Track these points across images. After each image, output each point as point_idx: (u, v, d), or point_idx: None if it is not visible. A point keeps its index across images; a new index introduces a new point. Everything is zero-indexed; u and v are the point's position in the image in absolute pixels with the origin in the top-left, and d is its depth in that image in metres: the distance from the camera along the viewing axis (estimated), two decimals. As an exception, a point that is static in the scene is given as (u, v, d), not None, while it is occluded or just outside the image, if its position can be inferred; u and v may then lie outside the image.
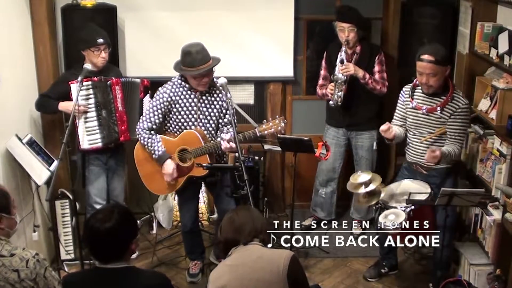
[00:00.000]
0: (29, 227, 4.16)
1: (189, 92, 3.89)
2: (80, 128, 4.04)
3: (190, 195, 4.17)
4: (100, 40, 4.03)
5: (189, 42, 3.85)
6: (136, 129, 3.95)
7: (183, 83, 3.89)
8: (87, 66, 4.01)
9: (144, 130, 3.89)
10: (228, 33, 4.81)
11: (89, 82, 4.02)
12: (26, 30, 4.39)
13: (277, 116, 3.81)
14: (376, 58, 4.49)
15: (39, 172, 4.04)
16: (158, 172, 3.96)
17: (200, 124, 3.92)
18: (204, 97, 3.91)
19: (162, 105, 3.88)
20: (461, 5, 4.45)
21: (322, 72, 4.68)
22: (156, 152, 3.87)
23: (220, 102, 3.93)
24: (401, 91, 3.96)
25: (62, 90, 4.04)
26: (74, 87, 3.98)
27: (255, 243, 2.67)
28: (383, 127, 3.80)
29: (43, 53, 4.50)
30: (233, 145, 3.72)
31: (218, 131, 3.99)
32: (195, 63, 3.74)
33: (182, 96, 3.88)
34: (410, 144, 3.93)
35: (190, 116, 3.90)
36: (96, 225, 2.43)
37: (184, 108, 3.89)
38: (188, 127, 3.91)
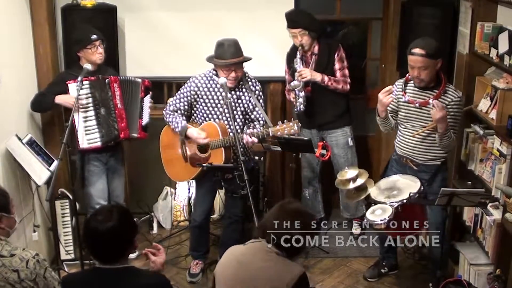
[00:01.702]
0: (29, 227, 4.16)
1: (218, 85, 3.94)
2: (78, 127, 4.04)
3: (208, 189, 4.21)
4: (94, 36, 4.04)
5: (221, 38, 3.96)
6: (164, 111, 4.08)
7: (214, 76, 3.96)
8: (87, 66, 4.01)
9: (169, 111, 4.03)
10: (228, 33, 4.77)
11: (87, 82, 4.02)
12: (26, 30, 4.39)
13: (292, 119, 3.83)
14: (336, 55, 4.45)
15: (39, 172, 4.04)
16: (178, 159, 4.05)
17: (224, 118, 3.96)
18: (232, 92, 3.95)
19: (188, 93, 3.98)
20: (461, 5, 4.45)
21: (286, 76, 4.64)
22: (179, 125, 3.97)
23: (247, 97, 3.98)
24: (393, 85, 3.97)
25: (59, 90, 4.04)
26: (72, 86, 3.99)
27: (272, 249, 2.54)
28: (384, 89, 3.74)
29: (43, 53, 4.50)
30: (255, 140, 3.81)
31: (245, 127, 4.02)
32: (225, 55, 3.84)
33: (211, 89, 3.96)
34: (402, 138, 3.93)
35: (216, 109, 3.96)
36: (99, 227, 2.43)
37: (211, 101, 3.96)
38: (212, 120, 3.98)
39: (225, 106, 3.92)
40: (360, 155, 4.81)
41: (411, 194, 3.57)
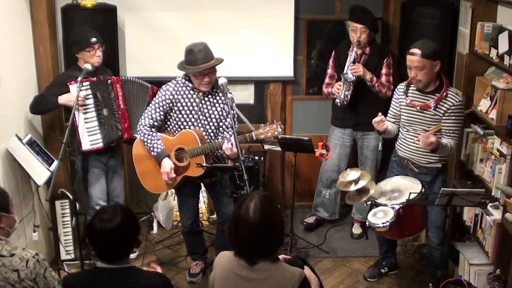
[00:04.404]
0: (29, 227, 4.16)
1: (191, 92, 3.89)
2: (80, 129, 4.03)
3: (190, 195, 4.17)
4: (93, 40, 4.02)
5: (193, 42, 3.84)
6: (138, 125, 3.96)
7: (186, 82, 3.89)
8: (87, 66, 4.00)
9: (145, 127, 3.90)
10: (228, 33, 4.81)
11: (87, 83, 4.02)
12: (26, 30, 4.39)
13: (274, 121, 3.80)
14: (385, 60, 4.52)
15: (39, 172, 4.04)
16: (154, 170, 3.96)
17: (200, 124, 3.91)
18: (206, 98, 3.90)
19: (163, 102, 3.88)
20: (461, 5, 4.45)
21: (329, 70, 4.70)
22: (155, 150, 3.87)
23: (222, 105, 3.92)
24: (396, 88, 3.99)
25: (59, 92, 4.03)
26: (73, 87, 3.98)
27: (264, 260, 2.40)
28: (376, 119, 3.81)
29: (43, 53, 4.50)
30: (235, 150, 3.69)
31: (220, 134, 3.96)
32: (197, 61, 3.75)
33: (184, 96, 3.88)
34: (403, 140, 3.93)
35: (190, 116, 3.90)
36: (106, 225, 2.42)
37: (185, 108, 3.89)
38: (187, 127, 3.91)
39: (229, 107, 3.87)
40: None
41: (411, 195, 3.57)
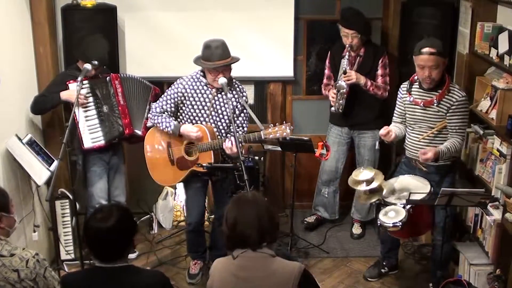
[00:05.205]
0: (29, 227, 4.16)
1: (205, 87, 3.92)
2: (81, 127, 4.03)
3: (197, 190, 4.16)
4: (95, 63, 4.01)
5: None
6: (149, 115, 4.01)
7: (201, 77, 3.93)
8: (87, 66, 4.00)
9: (155, 113, 3.96)
10: (228, 33, 4.79)
11: (87, 81, 4.03)
12: (26, 30, 4.39)
13: (284, 122, 3.81)
14: (380, 61, 4.50)
15: (39, 172, 4.04)
16: (165, 162, 4.00)
17: (211, 120, 3.94)
18: (219, 95, 3.93)
19: (175, 95, 3.93)
20: (461, 5, 4.45)
21: (326, 71, 4.71)
22: (170, 127, 3.90)
23: (234, 103, 3.94)
24: (399, 88, 3.98)
25: (59, 91, 4.03)
26: (72, 86, 3.99)
27: (264, 252, 2.44)
28: (382, 132, 3.82)
29: (43, 53, 4.50)
30: (235, 149, 3.73)
31: (231, 131, 3.96)
32: (213, 57, 3.79)
33: (198, 91, 3.92)
34: (409, 140, 3.93)
35: (202, 111, 3.93)
36: (99, 225, 2.42)
37: (198, 103, 3.92)
38: (199, 122, 3.94)
39: (226, 106, 3.89)
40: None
41: (411, 195, 3.56)
